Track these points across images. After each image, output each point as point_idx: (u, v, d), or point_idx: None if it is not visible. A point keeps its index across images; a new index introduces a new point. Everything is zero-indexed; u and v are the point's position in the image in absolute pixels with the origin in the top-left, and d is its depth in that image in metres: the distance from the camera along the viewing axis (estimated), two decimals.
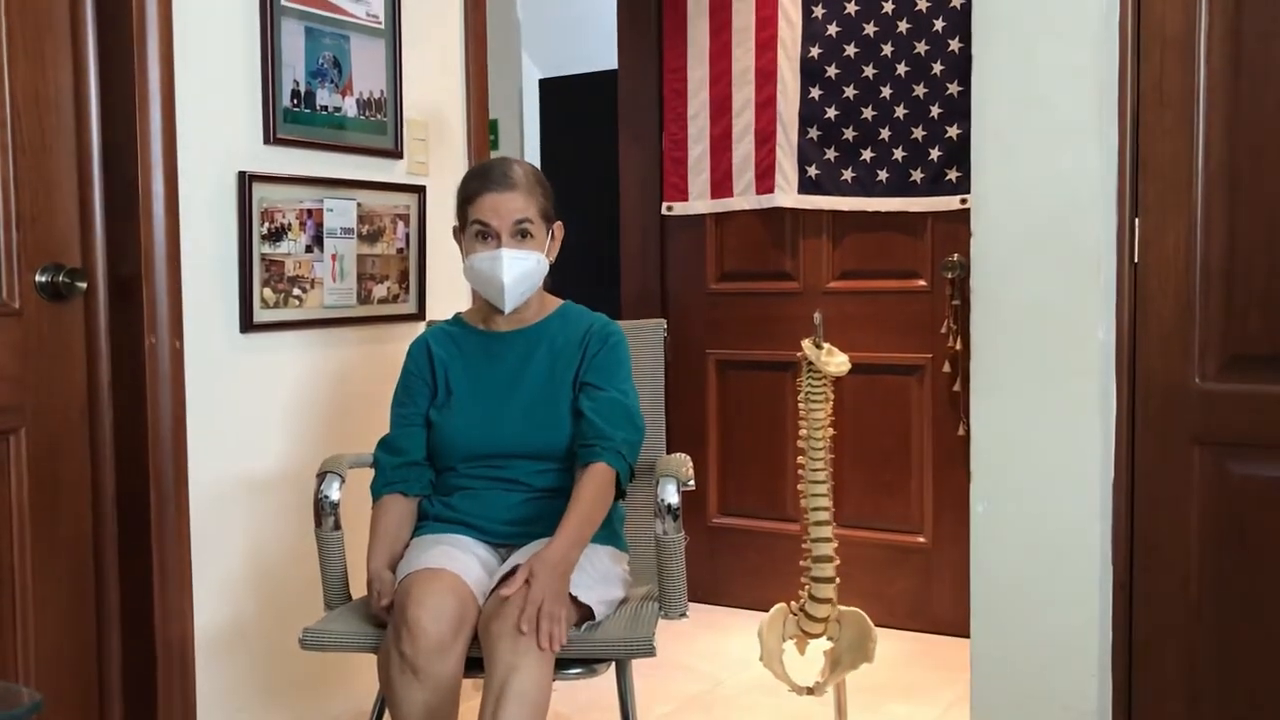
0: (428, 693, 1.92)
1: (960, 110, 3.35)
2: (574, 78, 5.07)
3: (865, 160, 3.55)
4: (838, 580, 2.57)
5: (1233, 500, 1.94)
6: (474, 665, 1.97)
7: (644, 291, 3.99)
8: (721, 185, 3.78)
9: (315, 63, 2.65)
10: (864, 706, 2.95)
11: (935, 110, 3.43)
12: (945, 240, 3.45)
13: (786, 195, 3.65)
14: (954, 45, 3.39)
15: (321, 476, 2.23)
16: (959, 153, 3.37)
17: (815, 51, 3.58)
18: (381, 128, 2.82)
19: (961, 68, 3.34)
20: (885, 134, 3.51)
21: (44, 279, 2.27)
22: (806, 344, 2.59)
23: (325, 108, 2.68)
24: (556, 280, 2.36)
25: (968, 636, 2.15)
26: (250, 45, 2.52)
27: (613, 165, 4.06)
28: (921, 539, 3.59)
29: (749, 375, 3.84)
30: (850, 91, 3.54)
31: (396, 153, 2.86)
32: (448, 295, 2.97)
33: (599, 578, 2.09)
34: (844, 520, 2.64)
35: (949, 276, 3.41)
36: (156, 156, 2.33)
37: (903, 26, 3.46)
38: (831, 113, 3.57)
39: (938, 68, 3.42)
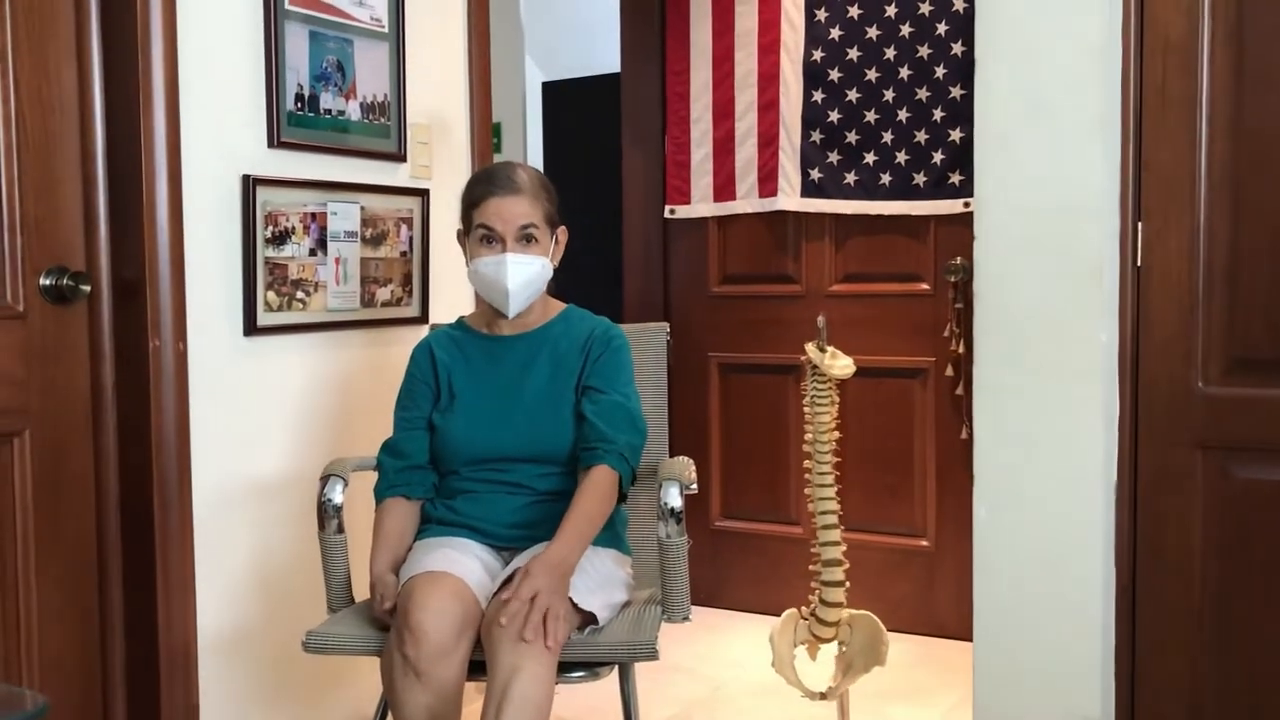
0: (430, 696, 1.92)
1: (963, 114, 3.34)
2: (577, 81, 5.07)
3: (868, 163, 3.54)
4: (848, 584, 2.56)
5: (1236, 504, 1.94)
6: (477, 668, 1.97)
7: (646, 295, 3.99)
8: (724, 188, 3.78)
9: (319, 66, 2.65)
10: (867, 710, 2.95)
11: (938, 113, 3.43)
12: (948, 243, 3.44)
13: (789, 198, 3.65)
14: (957, 49, 3.39)
15: (325, 480, 2.24)
16: (962, 156, 3.37)
17: (818, 55, 3.58)
18: (385, 131, 2.83)
19: (964, 71, 3.34)
20: (888, 137, 3.51)
21: (48, 282, 2.27)
22: (810, 347, 2.57)
23: (329, 111, 2.68)
24: (559, 283, 2.36)
25: (970, 640, 2.15)
26: (254, 48, 2.52)
27: (616, 168, 4.05)
28: (924, 542, 3.59)
29: (751, 378, 3.84)
30: (853, 95, 3.54)
31: (400, 156, 2.86)
32: (451, 299, 2.97)
33: (602, 581, 2.09)
34: (847, 523, 2.63)
35: (952, 280, 3.40)
36: (160, 160, 2.33)
37: (905, 30, 3.46)
38: (834, 116, 3.57)
39: (941, 71, 3.42)
